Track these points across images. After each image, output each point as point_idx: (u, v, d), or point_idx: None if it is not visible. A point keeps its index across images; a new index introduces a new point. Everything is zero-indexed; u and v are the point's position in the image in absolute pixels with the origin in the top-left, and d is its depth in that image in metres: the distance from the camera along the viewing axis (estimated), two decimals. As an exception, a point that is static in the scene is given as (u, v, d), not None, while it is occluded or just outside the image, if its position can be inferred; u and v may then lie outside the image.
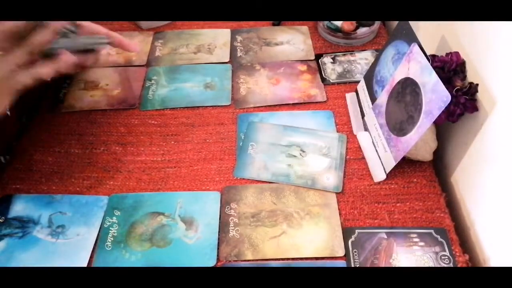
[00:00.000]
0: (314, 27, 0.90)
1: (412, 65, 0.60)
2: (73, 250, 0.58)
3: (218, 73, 0.82)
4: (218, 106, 0.76)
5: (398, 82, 0.62)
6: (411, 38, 0.62)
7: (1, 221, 0.61)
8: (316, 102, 0.76)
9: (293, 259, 0.57)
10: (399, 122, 0.62)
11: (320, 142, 0.69)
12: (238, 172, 0.66)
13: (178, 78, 0.81)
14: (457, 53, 0.60)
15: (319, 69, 0.81)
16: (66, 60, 0.56)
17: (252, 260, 0.57)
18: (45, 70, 0.56)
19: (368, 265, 0.55)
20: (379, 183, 0.64)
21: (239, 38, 0.89)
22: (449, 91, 0.53)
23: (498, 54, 0.54)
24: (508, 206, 0.52)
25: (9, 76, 0.54)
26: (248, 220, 0.60)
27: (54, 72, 0.56)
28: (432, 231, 0.58)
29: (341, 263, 0.56)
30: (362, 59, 0.83)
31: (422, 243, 0.57)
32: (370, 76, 0.72)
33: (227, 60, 0.84)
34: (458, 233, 0.58)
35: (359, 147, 0.69)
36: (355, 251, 0.57)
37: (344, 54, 0.84)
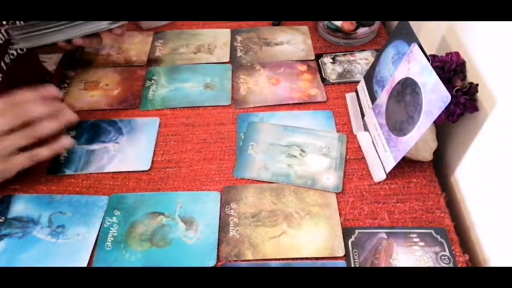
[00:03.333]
0: (314, 27, 0.90)
1: (412, 65, 0.60)
2: (73, 250, 0.58)
3: (218, 73, 0.82)
4: (218, 106, 0.76)
5: (398, 82, 0.62)
6: (411, 38, 0.62)
7: (1, 221, 0.61)
8: (316, 102, 0.76)
9: (293, 259, 0.57)
10: (399, 122, 0.62)
11: (320, 142, 0.69)
12: (238, 172, 0.66)
13: (178, 78, 0.81)
14: (457, 53, 0.60)
15: (319, 69, 0.81)
16: (64, 144, 0.60)
17: (252, 260, 0.57)
18: (45, 153, 0.59)
19: (368, 265, 0.55)
20: (379, 183, 0.64)
21: (239, 38, 0.89)
22: (449, 91, 0.53)
23: (498, 54, 0.54)
24: (508, 206, 0.52)
25: (8, 158, 0.57)
26: (248, 220, 0.60)
27: (52, 154, 0.60)
28: (432, 231, 0.58)
29: (341, 263, 0.56)
30: (362, 59, 0.83)
31: (422, 243, 0.57)
32: (370, 76, 0.72)
33: (227, 60, 0.84)
34: (458, 233, 0.58)
35: (359, 147, 0.69)
36: (355, 251, 0.57)
37: (344, 54, 0.84)
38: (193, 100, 0.77)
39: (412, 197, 0.62)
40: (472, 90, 0.58)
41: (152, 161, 0.68)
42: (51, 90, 0.59)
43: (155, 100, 0.77)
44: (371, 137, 0.68)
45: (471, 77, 0.59)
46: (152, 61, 0.85)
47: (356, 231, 0.59)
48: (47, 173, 0.67)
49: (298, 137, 0.70)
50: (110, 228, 0.60)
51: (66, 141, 0.59)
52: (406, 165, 0.65)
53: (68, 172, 0.67)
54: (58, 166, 0.68)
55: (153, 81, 0.81)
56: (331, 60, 0.83)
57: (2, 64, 0.70)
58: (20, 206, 0.63)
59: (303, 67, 0.82)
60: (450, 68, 0.59)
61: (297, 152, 0.68)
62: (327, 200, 0.62)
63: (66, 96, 0.78)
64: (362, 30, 0.85)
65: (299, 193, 0.63)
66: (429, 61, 0.57)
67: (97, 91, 0.79)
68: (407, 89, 0.60)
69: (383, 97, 0.65)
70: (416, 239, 0.57)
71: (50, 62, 0.99)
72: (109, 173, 0.67)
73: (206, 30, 0.91)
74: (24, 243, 0.59)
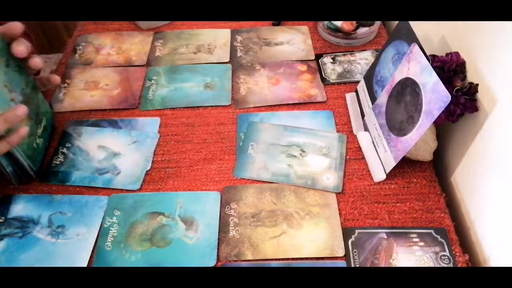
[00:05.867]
0: (314, 27, 0.90)
1: (412, 65, 0.60)
2: (73, 250, 0.58)
3: (218, 73, 0.82)
4: (218, 106, 0.76)
5: (398, 82, 0.62)
6: (411, 38, 0.62)
7: (1, 221, 0.61)
8: (316, 102, 0.76)
9: (293, 259, 0.57)
10: (399, 122, 0.62)
11: (320, 142, 0.69)
12: (238, 172, 0.66)
13: (178, 78, 0.81)
14: (457, 53, 0.60)
15: (319, 69, 0.81)
16: (20, 134, 0.58)
17: (252, 260, 0.57)
18: (2, 148, 0.57)
19: (368, 265, 0.55)
20: (379, 183, 0.64)
21: (239, 38, 0.89)
22: (449, 91, 0.53)
23: (498, 54, 0.54)
24: (508, 206, 0.52)
25: None
26: (248, 220, 0.60)
27: (10, 147, 0.58)
28: (432, 231, 0.58)
29: (341, 263, 0.56)
30: (362, 59, 0.83)
31: (422, 243, 0.57)
32: (370, 76, 0.72)
33: (227, 60, 0.84)
34: (458, 233, 0.58)
35: (359, 147, 0.69)
36: (355, 251, 0.57)
37: (344, 54, 0.84)
38: (193, 100, 0.77)
39: (412, 197, 0.62)
40: (472, 90, 0.58)
41: (152, 161, 0.68)
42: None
43: (155, 100, 0.77)
44: (371, 137, 0.68)
45: (471, 77, 0.59)
46: (152, 61, 0.85)
47: (356, 231, 0.59)
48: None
49: (298, 137, 0.70)
50: (110, 228, 0.60)
51: (22, 131, 0.59)
52: (406, 165, 0.65)
53: (68, 172, 0.67)
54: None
55: (153, 81, 0.81)
56: (331, 60, 0.83)
57: None
58: (20, 206, 0.63)
59: (303, 67, 0.82)
60: (450, 68, 0.59)
61: (297, 152, 0.68)
62: (327, 200, 0.62)
63: (66, 96, 0.78)
64: (362, 30, 0.85)
65: (299, 193, 0.63)
66: (429, 61, 0.57)
67: (97, 91, 0.79)
68: (407, 89, 0.60)
69: (383, 97, 0.65)
70: (416, 239, 0.57)
71: (50, 62, 0.99)
72: (109, 173, 0.67)
73: (206, 30, 0.91)
74: (24, 243, 0.59)
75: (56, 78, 0.67)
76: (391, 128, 0.63)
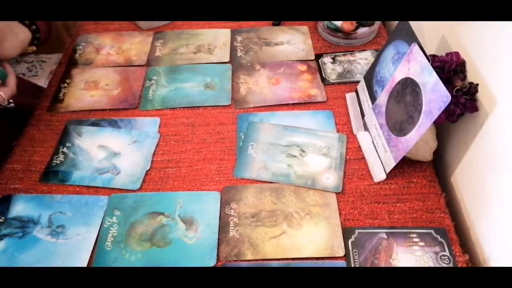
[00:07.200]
0: (314, 27, 0.90)
1: (412, 65, 0.60)
2: (73, 250, 0.58)
3: (218, 73, 0.82)
4: (218, 106, 0.76)
5: (398, 82, 0.62)
6: (411, 38, 0.62)
7: (1, 221, 0.61)
8: (316, 102, 0.76)
9: (293, 259, 0.57)
10: (399, 122, 0.62)
11: (320, 142, 0.69)
12: (238, 172, 0.66)
13: (178, 78, 0.81)
14: (457, 53, 0.60)
15: (319, 69, 0.81)
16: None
17: (252, 260, 0.57)
18: None
19: (368, 265, 0.55)
20: (379, 183, 0.64)
21: (239, 38, 0.89)
22: (449, 91, 0.53)
23: (498, 54, 0.54)
24: (508, 206, 0.52)
25: None
26: (248, 220, 0.60)
27: None
28: (432, 231, 0.58)
29: (341, 263, 0.56)
30: (362, 59, 0.83)
31: (422, 243, 0.57)
32: (370, 76, 0.72)
33: (227, 60, 0.84)
34: (458, 233, 0.58)
35: (359, 147, 0.69)
36: (355, 251, 0.57)
37: (344, 54, 0.84)
38: (193, 100, 0.77)
39: (412, 197, 0.62)
40: (472, 90, 0.58)
41: (152, 161, 0.68)
42: None
43: (155, 100, 0.77)
44: (371, 137, 0.68)
45: (471, 77, 0.59)
46: (152, 61, 0.85)
47: (356, 231, 0.59)
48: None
49: (298, 137, 0.70)
50: (110, 228, 0.60)
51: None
52: (406, 165, 0.65)
53: (68, 172, 0.67)
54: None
55: (153, 81, 0.81)
56: (331, 60, 0.83)
57: None
58: (20, 206, 0.63)
59: (303, 67, 0.82)
60: (450, 68, 0.59)
61: (297, 152, 0.68)
62: (327, 200, 0.62)
63: (66, 96, 0.78)
64: (362, 30, 0.85)
65: (299, 193, 0.63)
66: (429, 61, 0.57)
67: (97, 91, 0.79)
68: (407, 89, 0.60)
69: (383, 97, 0.65)
70: (416, 239, 0.57)
71: (50, 62, 0.98)
72: (109, 173, 0.67)
73: (206, 30, 0.91)
74: (24, 243, 0.59)
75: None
76: (391, 128, 0.63)
